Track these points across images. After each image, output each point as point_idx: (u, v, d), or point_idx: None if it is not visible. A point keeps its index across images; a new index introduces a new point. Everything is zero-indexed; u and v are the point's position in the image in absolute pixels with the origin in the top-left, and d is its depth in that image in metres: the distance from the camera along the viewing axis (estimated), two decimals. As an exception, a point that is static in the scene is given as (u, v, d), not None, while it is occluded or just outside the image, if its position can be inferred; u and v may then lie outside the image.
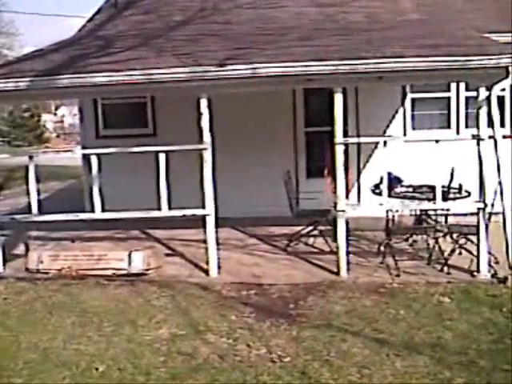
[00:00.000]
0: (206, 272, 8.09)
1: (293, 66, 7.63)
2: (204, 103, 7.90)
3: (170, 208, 8.11)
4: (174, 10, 11.20)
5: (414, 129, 11.43)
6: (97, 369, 5.40)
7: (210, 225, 7.98)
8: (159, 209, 8.09)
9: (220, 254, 8.13)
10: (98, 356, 5.66)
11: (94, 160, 8.18)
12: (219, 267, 8.05)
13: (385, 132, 11.26)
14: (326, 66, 7.60)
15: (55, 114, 68.38)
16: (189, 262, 8.64)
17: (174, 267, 8.45)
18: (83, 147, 11.62)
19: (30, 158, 8.33)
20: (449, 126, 11.40)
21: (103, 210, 8.25)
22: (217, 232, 7.99)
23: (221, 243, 8.32)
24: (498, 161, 7.59)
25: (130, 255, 8.13)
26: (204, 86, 7.86)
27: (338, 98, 7.75)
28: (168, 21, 10.41)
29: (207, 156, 7.90)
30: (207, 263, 8.07)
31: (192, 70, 7.72)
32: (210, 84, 7.81)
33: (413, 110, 11.46)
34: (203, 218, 8.00)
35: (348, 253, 7.98)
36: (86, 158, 9.37)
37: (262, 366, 5.32)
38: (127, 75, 7.78)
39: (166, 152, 8.06)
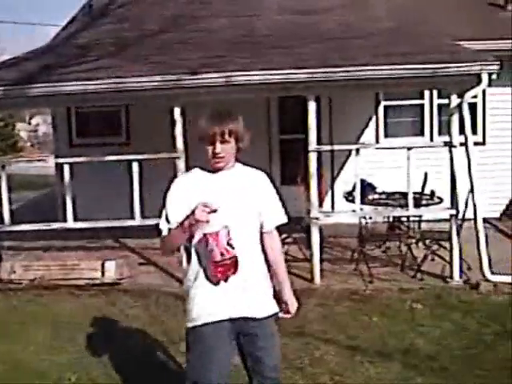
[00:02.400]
0: (180, 281, 8.05)
1: (267, 75, 7.66)
2: (177, 111, 7.89)
3: (143, 217, 8.08)
4: (148, 18, 11.17)
5: (387, 136, 11.49)
6: (69, 379, 5.36)
7: (184, 233, 7.94)
8: (133, 218, 8.06)
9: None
10: (71, 366, 5.60)
11: (66, 169, 8.13)
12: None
13: (358, 139, 11.31)
14: (300, 74, 7.64)
15: (29, 123, 67.84)
16: (163, 271, 8.60)
17: (148, 276, 8.42)
18: (56, 156, 11.53)
19: (2, 167, 8.24)
20: (422, 133, 11.48)
21: (76, 220, 8.20)
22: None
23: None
24: (469, 167, 7.66)
25: (103, 265, 8.08)
26: (178, 95, 7.85)
27: (311, 106, 7.79)
28: (142, 29, 10.38)
29: (180, 164, 7.89)
30: (181, 272, 8.04)
31: (165, 79, 7.71)
32: (183, 92, 7.81)
33: (386, 118, 11.53)
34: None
35: (322, 260, 8.01)
36: (59, 167, 9.29)
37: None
38: (100, 84, 7.77)
39: (139, 161, 8.03)
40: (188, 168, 7.87)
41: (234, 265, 3.33)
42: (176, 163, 7.89)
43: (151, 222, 8.05)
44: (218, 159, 3.40)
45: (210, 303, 3.42)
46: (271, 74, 7.64)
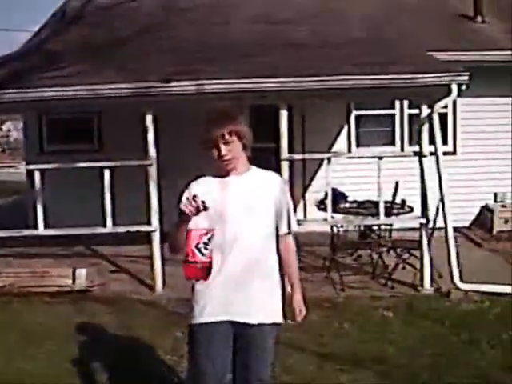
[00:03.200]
0: (152, 288, 8.03)
1: (238, 83, 7.68)
2: (149, 118, 7.87)
3: (114, 224, 8.04)
4: (120, 25, 11.14)
5: (358, 145, 11.56)
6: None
7: (156, 241, 7.93)
8: (104, 225, 8.01)
9: (166, 270, 8.07)
10: (41, 375, 5.54)
11: (37, 176, 8.07)
12: (164, 283, 8.00)
13: (330, 148, 11.36)
14: (272, 83, 7.66)
15: (1, 129, 67.24)
16: (134, 278, 8.56)
17: (119, 284, 8.37)
18: (27, 162, 11.42)
19: (-28, 173, 8.17)
20: (393, 143, 11.56)
21: (47, 227, 8.14)
22: (162, 248, 7.94)
23: (167, 259, 8.27)
24: (439, 177, 7.74)
25: (74, 272, 8.01)
26: (149, 102, 7.84)
27: (283, 115, 7.81)
28: (114, 36, 10.35)
29: (152, 172, 7.87)
30: (152, 279, 8.02)
31: (137, 86, 7.71)
32: (154, 100, 7.80)
33: (357, 127, 11.59)
34: (148, 234, 7.96)
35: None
36: (30, 174, 9.21)
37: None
38: (72, 90, 7.73)
39: (111, 167, 8.00)
40: (159, 175, 7.93)
41: (202, 271, 3.23)
42: (148, 170, 7.86)
43: (122, 229, 8.07)
44: (226, 161, 3.42)
45: (209, 303, 3.42)
46: (243, 83, 7.66)
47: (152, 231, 7.92)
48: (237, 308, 3.44)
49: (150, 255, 8.03)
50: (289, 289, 3.75)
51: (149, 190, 7.88)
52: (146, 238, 8.04)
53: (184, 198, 3.23)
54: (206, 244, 3.20)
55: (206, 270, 3.24)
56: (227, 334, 3.47)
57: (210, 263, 3.24)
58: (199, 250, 3.18)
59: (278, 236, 3.61)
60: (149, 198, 7.90)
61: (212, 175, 3.54)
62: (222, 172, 3.48)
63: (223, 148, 3.38)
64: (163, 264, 7.98)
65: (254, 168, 3.60)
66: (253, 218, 3.44)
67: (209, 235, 3.21)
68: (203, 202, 3.14)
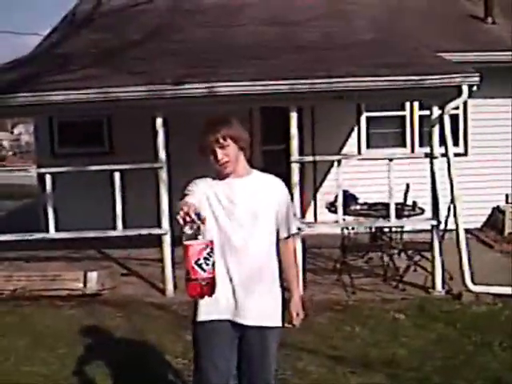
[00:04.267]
0: (163, 292, 8.03)
1: (249, 85, 7.67)
2: (159, 121, 7.89)
3: (125, 227, 8.05)
4: (130, 28, 11.17)
5: (368, 147, 11.54)
6: (50, 391, 5.33)
7: (167, 244, 7.94)
8: (115, 228, 8.03)
9: (177, 273, 8.06)
10: (51, 377, 5.56)
11: (48, 179, 8.10)
12: (176, 287, 8.00)
13: (340, 150, 11.35)
14: (282, 85, 7.66)
15: (12, 133, 67.59)
16: (145, 281, 8.57)
17: (130, 287, 8.38)
18: (39, 166, 11.45)
19: (-17, 177, 8.20)
20: (404, 145, 11.54)
21: (58, 230, 8.16)
22: (174, 251, 7.94)
23: (178, 262, 8.27)
24: (450, 178, 7.71)
25: (85, 275, 8.02)
26: (160, 105, 7.85)
27: (293, 117, 7.81)
28: (125, 39, 10.37)
29: (163, 175, 7.88)
30: (163, 283, 8.03)
31: (148, 89, 7.72)
32: (165, 102, 7.81)
33: (368, 129, 11.57)
34: (159, 236, 7.97)
35: (304, 270, 8.00)
36: (42, 177, 9.24)
37: None
38: (83, 93, 7.75)
39: (121, 170, 8.01)
40: (170, 179, 7.94)
41: (206, 288, 3.07)
42: (158, 173, 7.88)
43: (133, 232, 8.08)
44: (223, 165, 3.44)
45: (212, 302, 3.39)
46: (254, 85, 7.66)
47: (163, 234, 7.93)
48: (239, 309, 3.46)
49: (161, 258, 8.03)
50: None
51: (159, 193, 7.89)
52: (157, 240, 8.05)
53: (181, 212, 3.02)
54: (206, 259, 3.03)
55: (210, 287, 3.09)
56: (232, 336, 3.49)
57: (213, 278, 3.09)
58: (200, 266, 3.02)
59: (277, 239, 3.63)
60: (159, 201, 7.91)
61: (213, 178, 3.55)
62: (221, 176, 3.51)
63: (219, 152, 3.41)
64: (174, 267, 7.97)
65: (254, 171, 3.61)
66: (258, 222, 3.47)
67: (208, 249, 3.04)
68: (198, 214, 3.02)
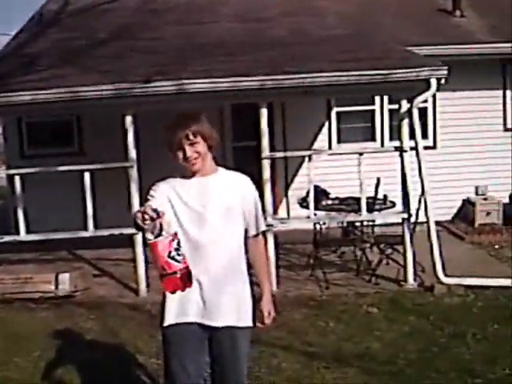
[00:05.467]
0: (136, 292, 7.99)
1: (219, 82, 7.65)
2: (129, 120, 7.84)
3: (97, 227, 7.99)
4: (99, 26, 11.06)
5: (339, 142, 11.56)
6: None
7: (139, 243, 7.89)
8: (86, 229, 7.97)
9: (150, 273, 8.03)
10: (25, 382, 5.51)
11: (17, 180, 8.00)
12: (149, 286, 7.96)
13: (312, 145, 11.36)
14: (252, 81, 7.65)
15: (-20, 134, 66.75)
16: (118, 282, 8.52)
17: (103, 288, 8.32)
18: (8, 167, 11.32)
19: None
20: (373, 139, 11.58)
21: (29, 232, 8.08)
22: (146, 250, 7.88)
23: (151, 262, 8.23)
24: (420, 171, 7.76)
25: (56, 277, 7.94)
26: (129, 103, 7.80)
27: (263, 113, 7.81)
28: (93, 38, 10.28)
29: (133, 173, 7.84)
30: (136, 283, 7.99)
31: (117, 87, 7.66)
32: (135, 101, 7.76)
33: (338, 124, 11.59)
34: (131, 236, 7.92)
35: (278, 266, 8.01)
36: (11, 178, 9.13)
37: None
38: (51, 93, 7.66)
39: (91, 170, 7.96)
40: (140, 177, 7.89)
41: (183, 279, 3.05)
42: (129, 172, 7.83)
43: (104, 232, 8.02)
44: (191, 162, 3.38)
45: (177, 305, 3.40)
46: (223, 82, 7.64)
47: (135, 234, 7.87)
48: (208, 311, 3.43)
49: (134, 258, 7.99)
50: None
51: (130, 192, 7.84)
52: (129, 240, 8.00)
53: (139, 213, 3.00)
54: (177, 250, 3.02)
55: (187, 276, 3.07)
56: (200, 338, 3.47)
57: (188, 267, 3.08)
58: (173, 258, 3.00)
59: (246, 237, 3.60)
60: (130, 200, 7.85)
61: (179, 176, 3.51)
62: (188, 174, 3.46)
63: (188, 149, 3.36)
64: (147, 267, 7.93)
65: (221, 169, 3.57)
66: (226, 221, 3.44)
67: (176, 240, 3.03)
68: (155, 209, 2.98)
